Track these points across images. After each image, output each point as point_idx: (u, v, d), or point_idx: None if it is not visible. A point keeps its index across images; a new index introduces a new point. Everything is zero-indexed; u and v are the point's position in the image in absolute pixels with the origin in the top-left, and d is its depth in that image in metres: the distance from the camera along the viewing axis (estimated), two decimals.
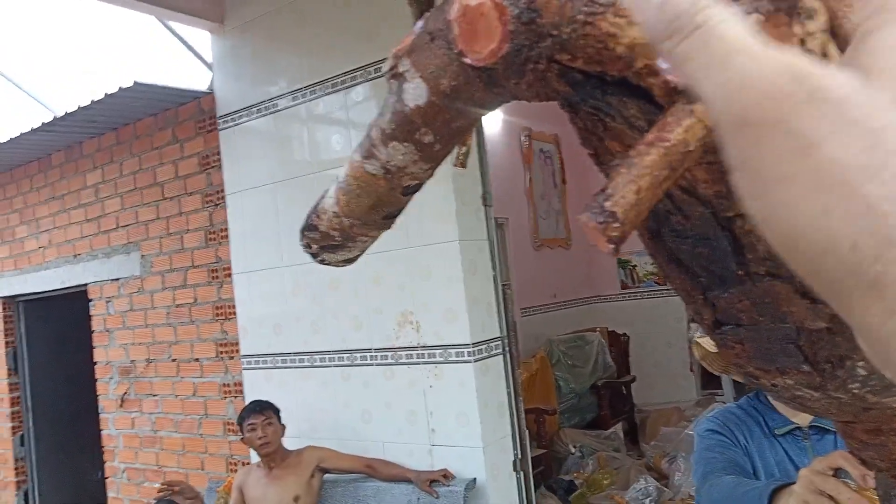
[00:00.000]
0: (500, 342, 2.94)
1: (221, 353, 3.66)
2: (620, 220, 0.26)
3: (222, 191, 3.57)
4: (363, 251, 0.46)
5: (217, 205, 3.63)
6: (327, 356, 3.20)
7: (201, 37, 3.62)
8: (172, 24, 3.55)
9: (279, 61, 3.34)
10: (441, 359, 2.86)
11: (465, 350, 2.79)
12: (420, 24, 0.36)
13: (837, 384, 0.38)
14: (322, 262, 0.47)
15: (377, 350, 3.04)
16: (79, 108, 3.51)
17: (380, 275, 2.95)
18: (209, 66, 3.62)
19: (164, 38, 3.64)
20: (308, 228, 0.45)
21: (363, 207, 0.41)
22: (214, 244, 3.66)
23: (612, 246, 0.26)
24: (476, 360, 2.79)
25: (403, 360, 2.96)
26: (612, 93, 0.32)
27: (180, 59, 3.71)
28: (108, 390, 4.27)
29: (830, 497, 0.77)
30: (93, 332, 4.32)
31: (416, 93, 0.36)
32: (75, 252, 4.38)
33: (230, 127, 3.52)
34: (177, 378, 3.88)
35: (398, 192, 0.41)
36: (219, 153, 3.58)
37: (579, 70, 0.31)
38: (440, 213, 2.76)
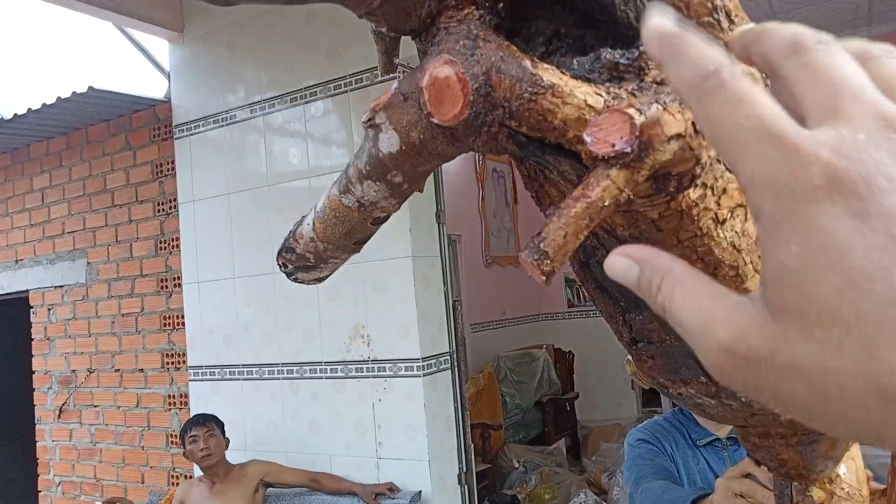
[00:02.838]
0: (448, 357, 3.01)
1: (168, 363, 3.62)
2: (551, 258, 0.33)
3: (175, 200, 3.55)
4: (333, 272, 0.53)
5: (169, 214, 3.60)
6: (276, 368, 3.21)
7: (160, 45, 3.61)
8: (131, 31, 3.54)
9: (238, 73, 3.36)
10: (391, 373, 2.90)
11: (415, 364, 2.85)
12: (395, 85, 0.43)
13: (729, 393, 0.46)
14: (296, 280, 0.53)
15: (328, 363, 3.07)
16: (29, 110, 3.45)
17: (334, 288, 2.99)
18: (166, 75, 3.61)
19: (122, 45, 3.61)
20: (285, 250, 0.51)
21: (337, 234, 0.48)
22: (165, 253, 3.63)
23: (544, 278, 0.33)
24: (425, 375, 2.85)
25: (353, 374, 2.99)
26: (550, 153, 0.39)
27: (137, 66, 3.69)
28: (45, 401, 4.15)
29: (744, 497, 0.86)
30: (32, 340, 4.20)
31: (389, 142, 0.43)
32: (17, 257, 4.26)
33: (186, 136, 3.51)
34: (119, 389, 3.80)
35: (369, 223, 0.48)
36: (173, 162, 3.56)
37: (524, 134, 0.39)
38: (395, 230, 2.82)
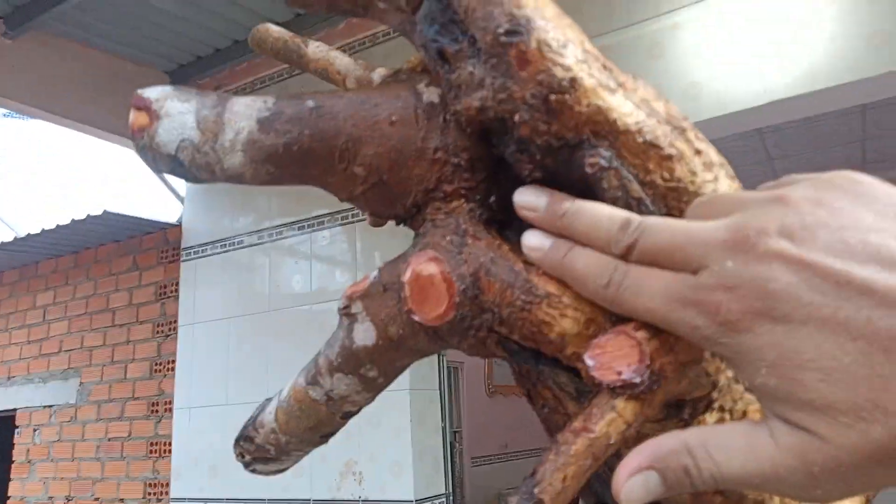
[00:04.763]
0: (444, 499, 2.83)
1: (150, 494, 3.42)
2: None
3: (175, 322, 3.52)
4: (295, 463, 0.47)
5: (168, 336, 3.56)
6: None
7: None
8: None
9: (251, 200, 3.44)
10: None
11: None
12: (375, 273, 0.40)
13: None
14: (253, 471, 0.47)
15: (316, 501, 2.89)
16: (43, 230, 3.51)
17: None
18: (181, 199, 3.70)
19: (141, 168, 3.74)
20: (244, 439, 0.46)
21: (302, 428, 0.43)
22: (159, 376, 3.54)
23: None
24: None
25: None
26: (545, 363, 0.35)
27: (154, 188, 3.79)
28: None
29: None
30: (12, 462, 4.02)
31: (365, 334, 0.40)
32: (9, 374, 4.17)
33: (192, 259, 3.54)
34: None
35: (338, 417, 0.43)
36: (177, 284, 3.57)
37: (516, 342, 0.35)
38: None
